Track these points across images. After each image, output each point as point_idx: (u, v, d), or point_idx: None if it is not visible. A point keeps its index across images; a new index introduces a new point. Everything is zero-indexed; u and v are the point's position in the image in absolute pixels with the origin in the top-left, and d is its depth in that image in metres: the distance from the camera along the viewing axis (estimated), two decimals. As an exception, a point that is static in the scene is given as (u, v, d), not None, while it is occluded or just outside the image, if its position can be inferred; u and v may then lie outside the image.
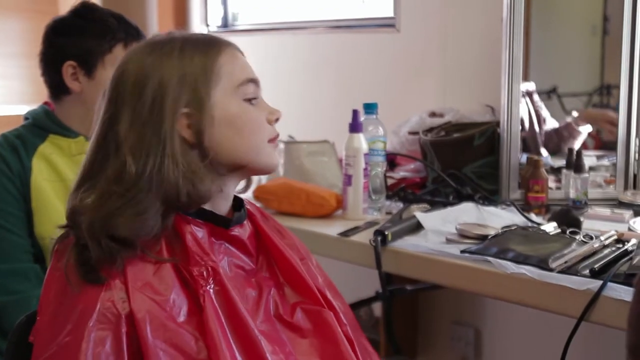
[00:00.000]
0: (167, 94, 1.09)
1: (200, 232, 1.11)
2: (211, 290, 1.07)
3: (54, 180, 1.76)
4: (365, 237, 1.82)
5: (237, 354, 1.05)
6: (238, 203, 1.21)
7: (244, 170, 1.17)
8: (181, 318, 1.05)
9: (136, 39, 1.79)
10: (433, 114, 2.40)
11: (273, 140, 1.18)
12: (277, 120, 1.19)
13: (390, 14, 2.81)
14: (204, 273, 1.08)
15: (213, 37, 1.18)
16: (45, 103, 1.88)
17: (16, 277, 1.68)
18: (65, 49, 1.78)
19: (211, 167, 1.12)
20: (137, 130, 1.09)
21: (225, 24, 3.60)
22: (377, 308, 2.84)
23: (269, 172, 1.24)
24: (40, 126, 1.80)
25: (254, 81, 1.16)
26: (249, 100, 1.15)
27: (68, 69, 1.78)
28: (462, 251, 1.64)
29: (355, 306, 2.39)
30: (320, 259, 1.35)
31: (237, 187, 1.21)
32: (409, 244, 1.75)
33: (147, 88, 1.09)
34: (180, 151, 1.09)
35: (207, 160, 1.11)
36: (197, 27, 3.56)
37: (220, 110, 1.12)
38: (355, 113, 2.01)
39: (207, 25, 3.57)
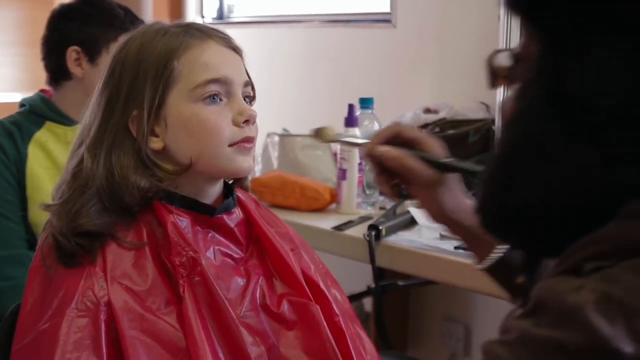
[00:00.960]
0: (120, 95, 1.09)
1: (184, 221, 1.10)
2: (192, 281, 1.07)
3: (49, 168, 1.75)
4: (359, 231, 1.83)
5: (216, 345, 1.05)
6: (229, 191, 1.20)
7: (206, 173, 1.12)
8: (160, 308, 1.05)
9: None
10: (428, 110, 2.40)
11: (237, 143, 1.11)
12: (247, 122, 1.11)
13: (387, 9, 2.81)
14: (185, 263, 1.07)
15: (189, 29, 1.12)
16: (42, 91, 1.88)
17: (12, 263, 1.68)
18: (70, 33, 1.79)
19: (171, 167, 1.10)
20: (96, 126, 1.10)
21: (220, 16, 3.59)
22: (368, 303, 2.84)
23: (235, 177, 1.19)
24: (36, 113, 1.80)
25: (219, 80, 1.10)
26: (210, 100, 1.09)
27: (72, 53, 1.78)
28: (456, 247, 1.64)
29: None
30: (315, 252, 1.35)
31: (215, 185, 1.16)
32: (403, 239, 1.75)
33: (109, 85, 1.11)
34: (131, 152, 1.09)
35: (158, 165, 1.09)
36: (193, 18, 3.55)
37: (175, 112, 1.09)
38: (351, 107, 2.01)
39: (203, 17, 3.56)
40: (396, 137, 1.06)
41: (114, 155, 1.08)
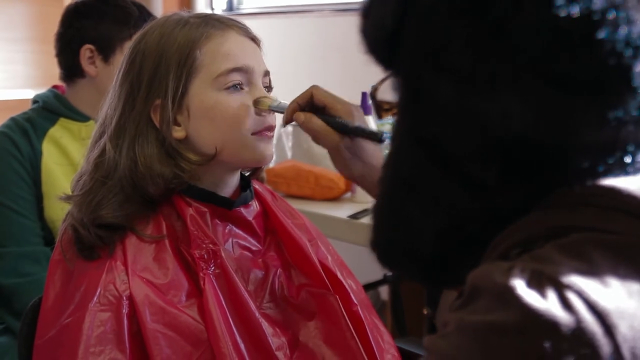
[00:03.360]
0: (142, 85, 1.09)
1: (203, 214, 1.11)
2: (212, 273, 1.07)
3: (64, 164, 1.76)
4: (374, 219, 1.82)
5: (237, 337, 1.06)
6: (246, 183, 1.20)
7: (228, 162, 1.13)
8: (181, 301, 1.06)
9: None
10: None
11: (260, 132, 1.11)
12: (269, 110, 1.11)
13: (397, -4, 2.79)
14: (205, 256, 1.08)
15: (209, 20, 1.13)
16: (54, 87, 1.88)
17: (27, 260, 1.68)
18: (85, 31, 1.78)
19: (194, 156, 1.10)
20: (117, 116, 1.10)
21: (230, 7, 3.58)
22: (384, 292, 2.85)
23: (257, 165, 1.19)
24: (50, 109, 1.80)
25: (240, 69, 1.10)
26: (233, 89, 1.10)
27: (86, 52, 1.78)
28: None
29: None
30: (329, 241, 1.35)
31: (234, 175, 1.17)
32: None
33: (129, 75, 1.11)
34: (155, 142, 1.09)
35: (181, 154, 1.10)
36: (202, 9, 3.55)
37: (197, 101, 1.10)
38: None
39: (212, 9, 3.56)
40: (310, 101, 1.11)
41: (138, 145, 1.09)
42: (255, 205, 1.19)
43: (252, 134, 1.11)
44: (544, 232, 0.64)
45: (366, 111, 2.00)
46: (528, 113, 0.62)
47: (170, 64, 1.09)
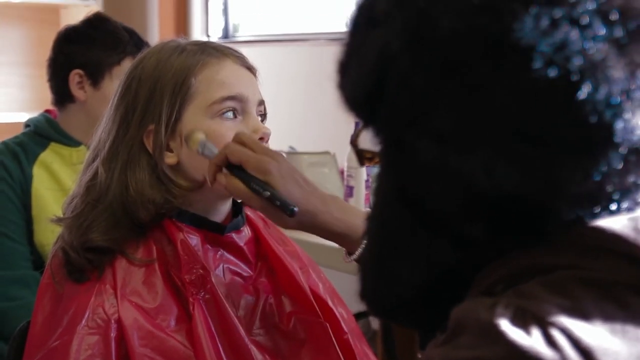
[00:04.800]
0: (137, 110, 1.10)
1: (194, 239, 1.11)
2: (201, 298, 1.07)
3: (54, 189, 1.76)
4: (366, 248, 1.82)
5: None
6: (238, 209, 1.20)
7: (219, 190, 1.10)
8: (170, 326, 1.05)
9: None
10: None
11: None
12: (262, 139, 1.11)
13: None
14: (195, 281, 1.07)
15: (206, 48, 1.13)
16: (47, 111, 1.88)
17: (16, 284, 1.68)
18: (74, 56, 1.79)
19: (185, 183, 1.10)
20: (111, 140, 1.10)
21: (226, 35, 3.60)
22: (375, 321, 2.83)
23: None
24: (41, 134, 1.80)
25: (235, 98, 1.10)
26: (227, 116, 1.10)
27: (75, 77, 1.79)
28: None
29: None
30: (321, 269, 1.35)
31: (226, 202, 1.16)
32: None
33: (124, 100, 1.11)
34: (147, 167, 1.09)
35: (173, 180, 1.09)
36: (198, 37, 3.57)
37: (190, 128, 1.09)
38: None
39: (208, 36, 3.58)
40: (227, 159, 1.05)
41: (129, 170, 1.09)
42: (246, 231, 1.19)
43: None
44: (528, 269, 0.64)
45: (360, 140, 2.00)
46: (511, 171, 0.62)
47: (165, 90, 1.09)
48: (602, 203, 0.63)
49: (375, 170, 0.72)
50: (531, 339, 0.57)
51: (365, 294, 0.75)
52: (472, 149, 0.62)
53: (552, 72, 0.59)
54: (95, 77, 1.78)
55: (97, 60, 1.78)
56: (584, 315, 0.59)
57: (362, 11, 0.70)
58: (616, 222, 0.63)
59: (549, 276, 0.62)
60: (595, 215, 0.64)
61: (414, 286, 0.70)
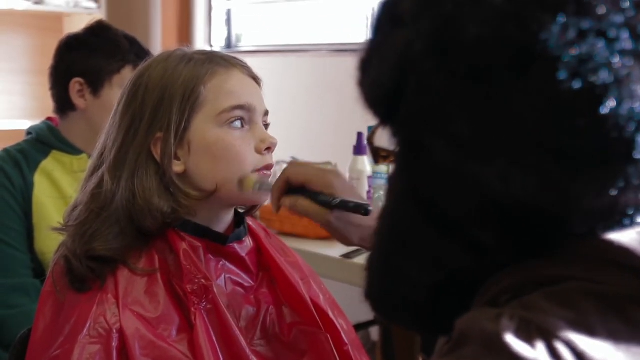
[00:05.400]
0: (144, 118, 1.09)
1: (196, 249, 1.11)
2: (203, 308, 1.07)
3: (55, 197, 1.75)
4: (367, 259, 1.82)
5: None
6: (240, 220, 1.20)
7: (226, 199, 1.12)
8: (172, 336, 1.05)
9: None
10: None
11: (259, 170, 1.11)
12: (268, 149, 1.12)
13: (394, 38, 2.82)
14: (197, 291, 1.07)
15: (214, 57, 1.14)
16: (49, 119, 1.88)
17: (16, 292, 1.67)
18: (74, 65, 1.79)
19: (193, 192, 1.10)
20: (117, 148, 1.10)
21: (228, 45, 3.61)
22: (375, 332, 2.83)
23: (255, 204, 1.19)
24: (43, 142, 1.80)
25: (243, 107, 1.11)
26: (235, 124, 1.10)
27: (75, 85, 1.79)
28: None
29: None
30: (322, 280, 1.35)
31: (229, 212, 1.17)
32: (411, 267, 1.74)
33: (131, 107, 1.11)
34: (154, 175, 1.09)
35: (181, 189, 1.09)
36: (201, 47, 3.58)
37: (199, 136, 1.10)
38: (359, 136, 2.01)
39: (211, 46, 3.59)
40: (289, 184, 1.11)
41: (137, 178, 1.08)
42: (248, 242, 1.19)
43: (252, 172, 1.11)
44: (533, 280, 0.64)
45: (361, 151, 2.00)
46: (527, 182, 0.61)
47: (174, 98, 1.09)
48: (616, 217, 0.63)
49: (389, 169, 0.72)
50: (535, 352, 0.57)
51: (370, 292, 0.75)
52: (489, 157, 0.62)
53: (577, 84, 0.58)
54: (95, 85, 1.78)
55: (97, 69, 1.78)
56: (588, 328, 0.59)
57: (386, 9, 0.69)
58: (625, 236, 0.63)
59: (554, 288, 0.62)
60: (607, 229, 0.63)
61: (420, 287, 0.70)
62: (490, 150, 0.62)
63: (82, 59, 1.79)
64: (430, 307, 0.71)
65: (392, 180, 0.73)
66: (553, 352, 0.57)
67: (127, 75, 1.76)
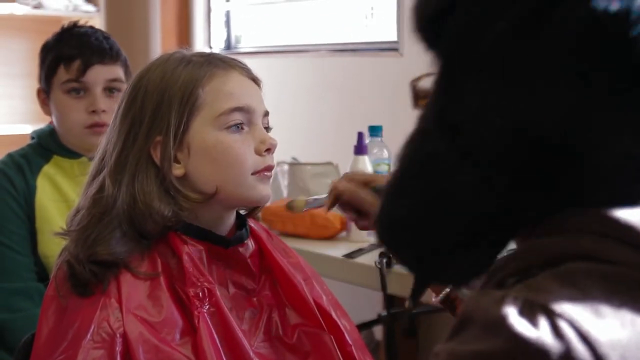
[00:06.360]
0: (144, 122, 1.10)
1: (198, 252, 1.11)
2: (206, 312, 1.07)
3: (58, 200, 1.76)
4: (370, 259, 1.82)
5: None
6: (242, 222, 1.20)
7: (227, 201, 1.13)
8: (175, 339, 1.05)
9: (89, 60, 1.74)
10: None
11: (260, 172, 1.12)
12: (268, 150, 1.12)
13: (394, 37, 2.82)
14: (200, 294, 1.07)
15: (212, 59, 1.14)
16: (52, 123, 1.89)
17: (19, 296, 1.68)
18: (39, 73, 1.80)
19: (193, 195, 1.10)
20: (117, 152, 1.10)
21: (228, 46, 3.61)
22: (378, 331, 2.83)
23: (256, 205, 1.19)
24: (45, 146, 1.81)
25: (242, 109, 1.11)
26: (234, 128, 1.11)
27: (40, 94, 1.80)
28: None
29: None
30: (324, 280, 1.35)
31: (231, 214, 1.17)
32: (413, 266, 1.74)
33: (130, 111, 1.11)
34: (154, 179, 1.09)
35: (181, 192, 1.10)
36: (200, 49, 3.58)
37: (198, 139, 1.10)
38: (360, 135, 2.01)
39: (210, 48, 3.59)
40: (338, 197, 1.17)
41: (137, 182, 1.08)
42: (250, 244, 1.19)
43: (252, 173, 1.11)
44: (539, 261, 0.64)
45: (362, 151, 2.01)
46: (555, 107, 0.63)
47: (172, 101, 1.09)
48: (629, 176, 0.64)
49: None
50: (538, 331, 0.57)
51: (380, 219, 0.75)
52: (523, 81, 0.64)
53: (612, 7, 0.61)
54: (47, 92, 1.78)
55: (42, 76, 1.78)
56: (593, 306, 0.59)
57: None
58: (634, 214, 0.63)
59: (559, 268, 0.62)
60: (617, 200, 0.64)
61: (427, 221, 0.70)
62: (525, 74, 0.64)
63: (40, 66, 1.79)
64: (431, 246, 0.71)
65: (426, 107, 0.73)
66: (556, 330, 0.57)
67: (62, 75, 1.74)
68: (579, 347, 0.57)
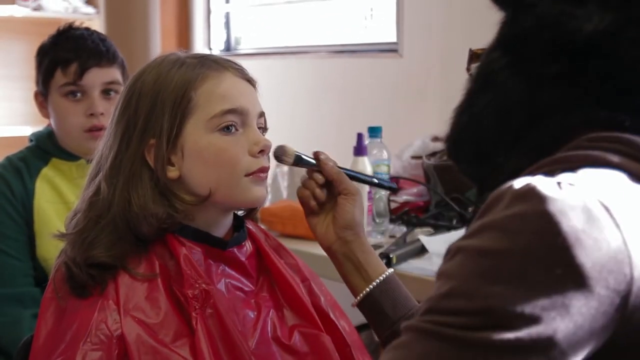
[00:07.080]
0: (138, 125, 1.10)
1: (196, 254, 1.11)
2: (204, 313, 1.07)
3: (56, 202, 1.75)
4: (369, 260, 1.81)
5: None
6: (240, 223, 1.20)
7: (222, 203, 1.13)
8: (173, 341, 1.05)
9: (86, 63, 1.73)
10: (436, 139, 2.41)
11: (253, 173, 1.11)
12: (262, 152, 1.12)
13: (393, 39, 2.83)
14: (198, 296, 1.07)
15: (206, 61, 1.13)
16: (50, 125, 1.88)
17: (9, 301, 1.67)
18: (36, 76, 1.80)
19: (188, 197, 1.10)
20: (112, 155, 1.11)
21: (228, 48, 3.62)
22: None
23: (251, 207, 1.19)
24: (43, 149, 1.80)
25: (235, 111, 1.10)
26: (227, 130, 1.10)
27: (37, 96, 1.80)
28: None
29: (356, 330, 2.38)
30: (324, 281, 1.35)
31: (228, 216, 1.17)
32: (413, 267, 1.75)
33: (125, 115, 1.11)
34: (149, 181, 1.09)
35: (175, 194, 1.10)
36: (200, 50, 3.58)
37: (191, 142, 1.10)
38: (359, 136, 2.01)
39: (210, 49, 3.59)
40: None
41: (132, 185, 1.09)
42: (248, 246, 1.19)
43: (246, 175, 1.11)
44: (565, 167, 0.73)
45: (362, 152, 2.00)
46: (605, 20, 0.75)
47: (165, 104, 1.09)
48: None
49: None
50: (562, 192, 0.67)
51: (449, 130, 0.87)
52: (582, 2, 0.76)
53: None
54: (45, 95, 1.78)
55: (40, 79, 1.77)
56: (620, 195, 0.69)
57: None
58: None
59: (591, 168, 0.72)
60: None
61: (483, 114, 0.82)
62: None
63: (37, 69, 1.79)
64: (488, 143, 0.82)
65: (491, 41, 0.85)
66: (579, 194, 0.67)
67: (59, 78, 1.74)
68: (595, 205, 0.67)
